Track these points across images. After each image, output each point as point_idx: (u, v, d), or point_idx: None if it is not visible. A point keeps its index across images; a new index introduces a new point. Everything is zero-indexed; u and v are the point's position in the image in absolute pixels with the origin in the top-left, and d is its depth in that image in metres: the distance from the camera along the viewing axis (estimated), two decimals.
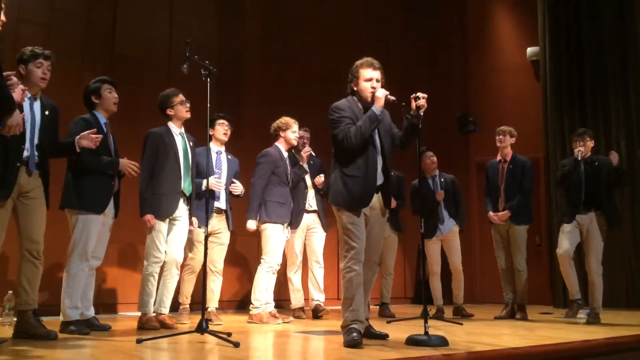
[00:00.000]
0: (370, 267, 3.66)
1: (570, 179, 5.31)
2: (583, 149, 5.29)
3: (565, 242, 5.28)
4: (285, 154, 5.18)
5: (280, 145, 5.19)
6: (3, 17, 2.87)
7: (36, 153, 3.55)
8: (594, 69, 7.62)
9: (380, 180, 3.61)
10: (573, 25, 7.82)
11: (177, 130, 4.45)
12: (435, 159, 5.96)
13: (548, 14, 7.92)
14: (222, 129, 5.05)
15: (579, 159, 5.24)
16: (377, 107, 3.54)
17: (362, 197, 3.52)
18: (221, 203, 4.97)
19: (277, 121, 5.25)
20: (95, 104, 4.15)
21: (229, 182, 5.04)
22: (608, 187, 5.25)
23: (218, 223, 4.96)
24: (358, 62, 3.68)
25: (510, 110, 8.30)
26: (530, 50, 8.36)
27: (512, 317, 5.62)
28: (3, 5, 2.81)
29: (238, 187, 5.02)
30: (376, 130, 3.63)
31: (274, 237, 4.91)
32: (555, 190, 7.45)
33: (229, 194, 5.05)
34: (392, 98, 3.58)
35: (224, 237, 5.02)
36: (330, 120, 3.59)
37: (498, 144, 5.85)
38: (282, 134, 5.19)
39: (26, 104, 3.53)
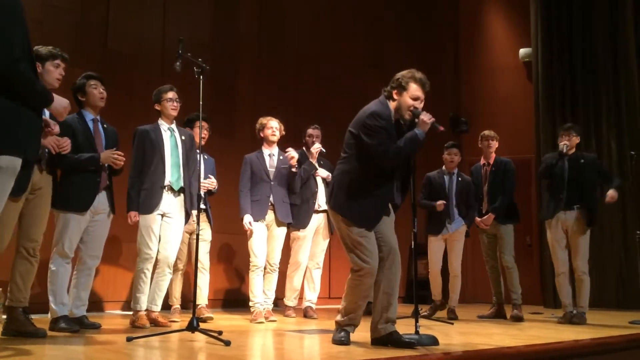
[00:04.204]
0: (393, 259, 3.33)
1: (552, 172, 5.26)
2: (568, 143, 5.23)
3: (561, 263, 5.18)
4: (269, 153, 5.15)
5: (264, 146, 5.19)
6: None
7: (46, 151, 3.53)
8: (585, 71, 7.67)
9: (398, 200, 3.44)
10: (565, 27, 7.86)
11: (165, 126, 4.41)
12: (456, 157, 5.76)
13: (540, 16, 7.96)
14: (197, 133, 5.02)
15: (564, 151, 5.20)
16: (422, 131, 3.30)
17: (374, 217, 3.32)
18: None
19: (257, 124, 5.26)
20: (82, 102, 4.10)
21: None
22: (592, 185, 5.19)
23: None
24: (410, 74, 3.37)
25: (502, 110, 8.34)
26: (522, 51, 8.40)
27: (498, 317, 5.60)
28: None
29: (213, 182, 4.99)
30: None
31: (252, 235, 4.94)
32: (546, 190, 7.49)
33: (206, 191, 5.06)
34: (441, 128, 3.36)
35: (206, 233, 5.03)
36: (366, 125, 3.29)
37: (489, 150, 5.79)
38: (262, 134, 5.20)
39: None
